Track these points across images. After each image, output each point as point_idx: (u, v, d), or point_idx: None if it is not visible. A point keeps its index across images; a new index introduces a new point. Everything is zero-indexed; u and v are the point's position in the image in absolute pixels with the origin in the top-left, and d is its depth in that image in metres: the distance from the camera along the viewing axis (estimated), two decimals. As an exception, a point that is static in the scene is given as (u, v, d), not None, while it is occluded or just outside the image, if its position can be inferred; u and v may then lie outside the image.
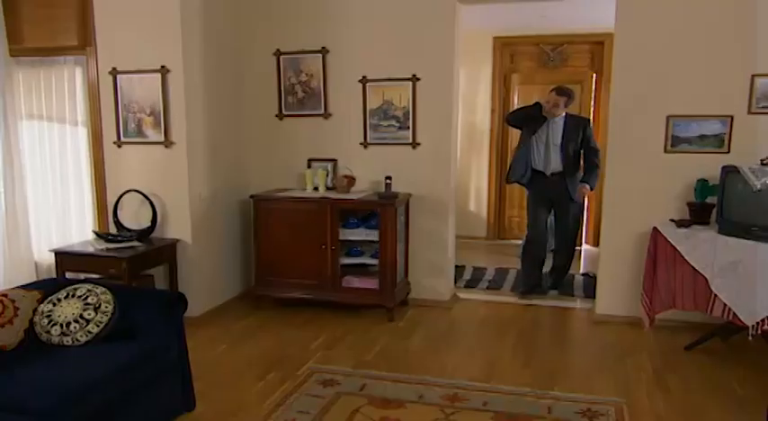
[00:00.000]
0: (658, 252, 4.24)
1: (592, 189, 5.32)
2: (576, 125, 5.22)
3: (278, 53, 5.21)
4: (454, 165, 5.20)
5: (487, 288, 5.63)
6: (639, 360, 4.02)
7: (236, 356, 4.07)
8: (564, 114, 5.20)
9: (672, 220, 4.35)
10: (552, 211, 5.47)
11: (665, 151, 4.50)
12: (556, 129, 5.19)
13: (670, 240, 4.17)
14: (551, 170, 5.23)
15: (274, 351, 4.14)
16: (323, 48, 5.12)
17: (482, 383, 3.62)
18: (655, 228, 4.28)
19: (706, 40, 4.32)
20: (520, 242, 7.37)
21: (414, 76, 4.95)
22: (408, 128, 5.03)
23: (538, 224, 5.43)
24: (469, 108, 7.50)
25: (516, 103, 7.41)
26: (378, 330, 4.53)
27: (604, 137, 5.07)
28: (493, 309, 5.11)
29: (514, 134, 7.43)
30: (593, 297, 4.94)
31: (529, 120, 5.24)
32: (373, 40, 4.99)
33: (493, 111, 7.51)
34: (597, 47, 7.09)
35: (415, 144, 5.01)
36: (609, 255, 4.73)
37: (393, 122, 5.06)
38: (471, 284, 5.71)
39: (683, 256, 4.10)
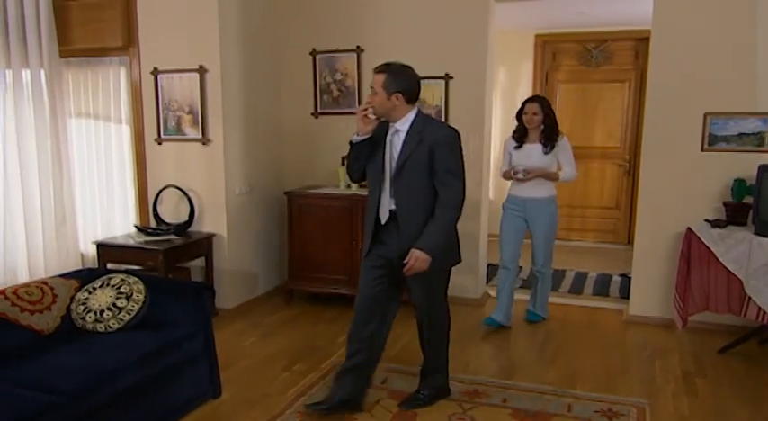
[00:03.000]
0: (692, 253, 4.16)
1: (433, 257, 2.98)
2: (423, 139, 2.98)
3: (314, 52, 5.31)
4: (487, 163, 5.20)
5: (520, 287, 5.59)
6: (669, 362, 3.95)
7: (264, 347, 4.18)
8: (411, 119, 3.02)
9: (707, 221, 4.25)
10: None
11: (702, 150, 4.40)
12: (395, 144, 3.07)
13: (704, 241, 4.08)
14: (384, 213, 3.13)
15: (302, 343, 4.24)
16: (358, 47, 5.19)
17: (503, 380, 3.63)
18: (689, 229, 4.19)
19: (744, 36, 4.21)
20: (560, 242, 7.38)
21: (446, 74, 4.97)
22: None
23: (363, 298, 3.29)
24: (509, 106, 7.44)
25: (558, 101, 7.35)
26: (405, 326, 4.54)
27: (639, 136, 4.96)
28: (523, 308, 5.05)
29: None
30: (629, 297, 4.86)
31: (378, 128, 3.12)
32: (407, 39, 5.03)
33: (534, 109, 7.43)
34: (642, 44, 6.94)
35: (447, 142, 5.02)
36: (643, 256, 4.66)
37: (426, 120, 5.07)
38: (504, 283, 5.68)
39: (717, 258, 4.01)
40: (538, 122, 4.33)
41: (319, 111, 5.38)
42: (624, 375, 3.75)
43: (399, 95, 2.97)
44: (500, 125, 7.40)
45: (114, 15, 4.79)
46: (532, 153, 4.39)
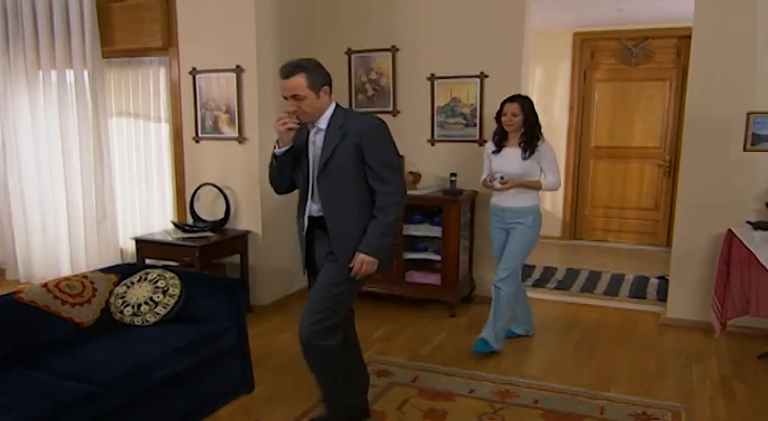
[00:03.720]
0: (732, 255, 4.06)
1: (382, 263, 2.85)
2: (346, 133, 2.75)
3: (349, 52, 5.35)
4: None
5: (556, 288, 5.54)
6: (706, 366, 3.86)
7: (297, 344, 4.19)
8: (329, 114, 2.79)
9: (749, 222, 4.15)
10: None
11: (745, 149, 4.29)
12: (317, 143, 2.83)
13: (745, 243, 3.98)
14: (308, 215, 2.92)
15: (334, 340, 4.26)
16: (393, 46, 5.20)
17: (536, 381, 3.60)
18: (729, 231, 4.10)
19: (790, 32, 4.09)
20: (597, 243, 7.31)
21: (482, 73, 4.95)
22: (475, 125, 5.03)
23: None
24: (546, 105, 7.37)
25: (596, 100, 7.25)
26: (437, 325, 4.57)
27: (680, 136, 4.85)
28: (559, 309, 5.03)
29: (595, 132, 7.31)
30: (666, 300, 4.77)
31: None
32: (442, 38, 5.03)
33: (571, 108, 7.35)
34: (684, 41, 6.79)
35: (482, 141, 5.00)
36: (681, 258, 4.56)
37: (460, 120, 5.07)
38: (539, 284, 5.64)
39: (758, 261, 3.90)
40: (518, 124, 3.91)
41: (354, 110, 5.40)
42: (660, 379, 3.68)
43: (327, 88, 2.76)
44: (536, 124, 7.34)
45: (154, 17, 4.89)
46: (511, 158, 3.97)
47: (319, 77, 2.73)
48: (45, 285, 3.17)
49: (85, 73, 5.07)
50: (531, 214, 3.98)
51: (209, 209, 4.95)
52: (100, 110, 5.05)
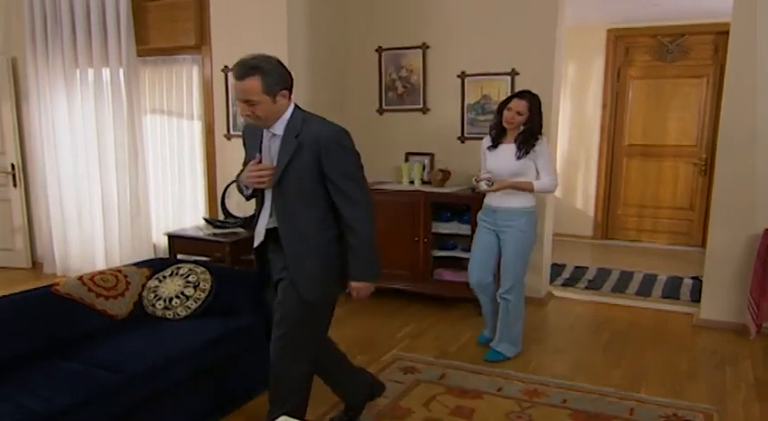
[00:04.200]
0: (769, 255, 3.97)
1: (373, 278, 2.69)
2: (303, 142, 2.48)
3: (380, 49, 5.36)
4: (553, 161, 5.10)
5: (586, 287, 5.48)
6: (741, 368, 3.78)
7: (326, 339, 4.25)
8: (287, 119, 2.52)
9: (786, 222, 4.05)
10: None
11: (783, 147, 4.18)
12: (272, 151, 2.58)
13: (783, 243, 3.89)
14: (261, 231, 2.73)
15: (362, 336, 4.29)
16: (423, 43, 5.20)
17: (565, 381, 3.57)
18: (767, 230, 4.00)
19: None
20: (629, 243, 7.20)
21: (513, 70, 4.92)
22: (506, 122, 5.00)
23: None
24: (578, 103, 7.31)
25: (630, 98, 7.14)
26: (465, 323, 4.55)
27: (717, 134, 4.75)
28: (589, 309, 4.98)
29: (628, 130, 7.20)
30: (699, 301, 4.68)
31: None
32: (473, 35, 5.00)
33: (604, 106, 7.25)
34: (722, 37, 6.64)
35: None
36: (716, 258, 4.47)
37: (490, 117, 5.03)
38: (569, 283, 5.58)
39: (796, 261, 3.82)
40: (519, 123, 3.69)
41: (384, 107, 5.42)
42: (692, 380, 3.62)
43: (286, 92, 2.46)
44: (568, 122, 7.28)
45: (188, 16, 4.97)
46: (506, 156, 3.74)
47: (277, 80, 2.42)
48: (80, 278, 3.24)
49: (121, 71, 5.17)
50: (524, 216, 3.75)
51: (240, 205, 5.00)
52: (134, 107, 5.15)
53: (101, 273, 3.38)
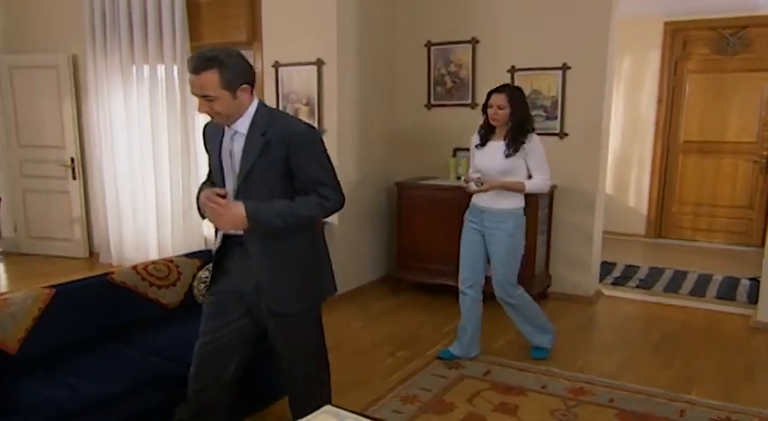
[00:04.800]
0: (832, 256, 3.80)
1: (250, 223, 2.26)
2: (270, 140, 2.28)
3: (429, 44, 5.34)
4: (604, 157, 5.01)
5: (637, 286, 5.36)
6: (800, 373, 3.65)
7: (370, 333, 4.29)
8: (251, 115, 2.31)
9: None
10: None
11: None
12: (235, 151, 2.35)
13: None
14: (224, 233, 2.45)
15: (407, 331, 4.30)
16: (473, 38, 5.16)
17: (612, 380, 3.51)
18: (830, 230, 3.83)
19: None
20: (684, 242, 7.00)
21: (564, 64, 4.84)
22: (556, 117, 4.93)
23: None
24: (632, 97, 7.14)
25: (687, 92, 6.93)
26: (511, 320, 4.49)
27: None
28: (639, 308, 4.87)
29: (685, 126, 7.00)
30: (757, 302, 4.52)
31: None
32: (523, 29, 4.94)
33: (659, 101, 7.06)
34: (786, 30, 6.40)
35: (562, 134, 4.90)
36: (775, 258, 4.31)
37: (540, 112, 4.97)
38: (619, 282, 5.47)
39: None
40: (504, 118, 3.50)
41: (432, 102, 5.41)
42: (747, 383, 3.50)
43: (247, 87, 2.26)
44: (621, 117, 7.12)
45: (240, 12, 5.06)
46: (494, 154, 3.57)
47: (237, 74, 2.21)
48: (134, 268, 3.34)
49: (175, 68, 5.31)
50: (512, 218, 3.59)
51: (288, 199, 5.07)
52: (188, 103, 5.28)
53: (154, 263, 3.47)
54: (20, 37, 6.32)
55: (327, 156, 2.38)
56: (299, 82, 4.95)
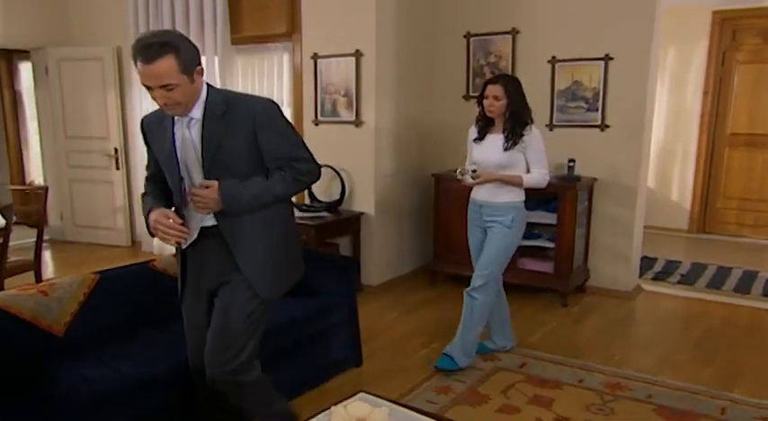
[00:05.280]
0: None
1: (225, 204, 2.19)
2: (233, 121, 2.19)
3: (468, 35, 5.30)
4: (647, 150, 4.91)
5: (678, 282, 5.24)
6: None
7: (405, 324, 4.30)
8: (204, 99, 2.20)
9: None
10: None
11: None
12: (191, 138, 2.23)
13: None
14: (195, 230, 2.32)
15: (442, 323, 4.29)
16: (513, 28, 5.10)
17: (650, 376, 3.45)
18: None
19: None
20: (729, 238, 6.81)
21: (606, 55, 4.75)
22: (597, 109, 4.84)
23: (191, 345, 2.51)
24: (677, 89, 6.97)
25: (735, 84, 6.74)
26: (548, 314, 4.47)
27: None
28: (680, 304, 4.77)
29: (732, 118, 6.81)
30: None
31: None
32: (565, 19, 4.86)
33: (705, 93, 6.87)
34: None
35: (603, 126, 4.82)
36: (824, 255, 4.18)
37: (581, 103, 4.90)
38: (660, 277, 5.36)
39: None
40: (500, 110, 3.39)
41: (471, 94, 5.37)
42: (793, 383, 3.41)
43: (200, 68, 2.14)
44: (665, 109, 6.96)
45: (279, 4, 5.10)
46: (492, 147, 3.45)
47: (191, 56, 2.09)
48: (175, 256, 3.41)
49: (216, 59, 5.38)
50: (511, 212, 3.46)
51: (326, 190, 5.11)
52: (228, 94, 5.35)
53: (194, 251, 3.54)
54: (66, 30, 6.50)
55: (292, 126, 2.31)
56: (338, 73, 4.97)
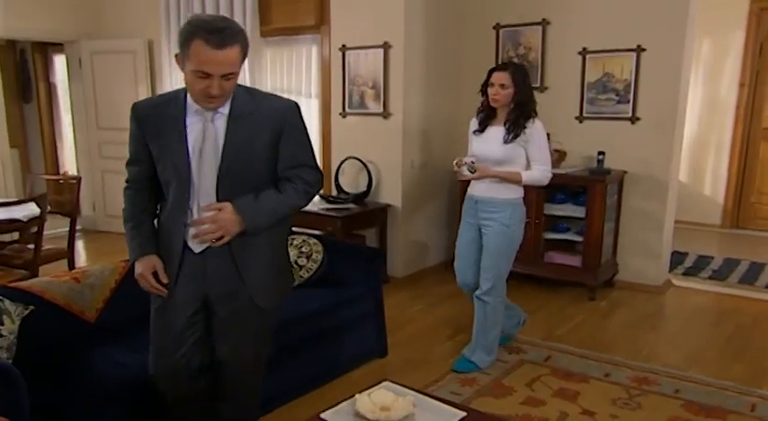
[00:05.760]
0: None
1: (246, 228, 2.07)
2: (263, 120, 2.07)
3: (497, 26, 5.26)
4: (679, 143, 4.83)
5: (710, 277, 5.16)
6: None
7: (430, 316, 4.31)
8: (231, 96, 2.04)
9: None
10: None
11: None
12: (215, 132, 2.06)
13: None
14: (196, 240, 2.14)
15: (466, 316, 4.24)
16: (543, 19, 5.04)
17: (678, 371, 3.41)
18: None
19: None
20: (763, 233, 6.67)
21: (639, 46, 4.67)
22: (628, 101, 4.77)
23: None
24: (711, 81, 6.83)
25: (773, 76, 6.59)
26: (576, 307, 4.44)
27: None
28: (711, 300, 4.70)
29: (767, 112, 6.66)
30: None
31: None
32: (596, 10, 4.79)
33: (742, 85, 6.72)
34: None
35: (634, 119, 4.75)
36: None
37: (612, 95, 4.83)
38: (691, 272, 5.28)
39: None
40: (506, 99, 3.21)
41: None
42: (826, 381, 3.34)
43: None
44: (699, 101, 6.83)
45: (309, -4, 5.12)
46: (493, 140, 3.27)
47: (248, 47, 1.98)
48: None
49: (245, 51, 5.41)
50: (509, 208, 3.28)
51: (353, 181, 5.13)
52: (257, 86, 5.38)
53: (222, 240, 3.59)
54: (99, 23, 6.61)
55: (307, 131, 2.22)
56: (366, 65, 4.97)
